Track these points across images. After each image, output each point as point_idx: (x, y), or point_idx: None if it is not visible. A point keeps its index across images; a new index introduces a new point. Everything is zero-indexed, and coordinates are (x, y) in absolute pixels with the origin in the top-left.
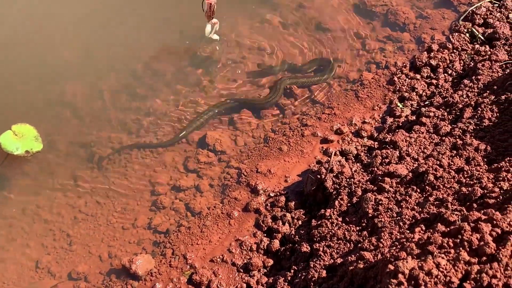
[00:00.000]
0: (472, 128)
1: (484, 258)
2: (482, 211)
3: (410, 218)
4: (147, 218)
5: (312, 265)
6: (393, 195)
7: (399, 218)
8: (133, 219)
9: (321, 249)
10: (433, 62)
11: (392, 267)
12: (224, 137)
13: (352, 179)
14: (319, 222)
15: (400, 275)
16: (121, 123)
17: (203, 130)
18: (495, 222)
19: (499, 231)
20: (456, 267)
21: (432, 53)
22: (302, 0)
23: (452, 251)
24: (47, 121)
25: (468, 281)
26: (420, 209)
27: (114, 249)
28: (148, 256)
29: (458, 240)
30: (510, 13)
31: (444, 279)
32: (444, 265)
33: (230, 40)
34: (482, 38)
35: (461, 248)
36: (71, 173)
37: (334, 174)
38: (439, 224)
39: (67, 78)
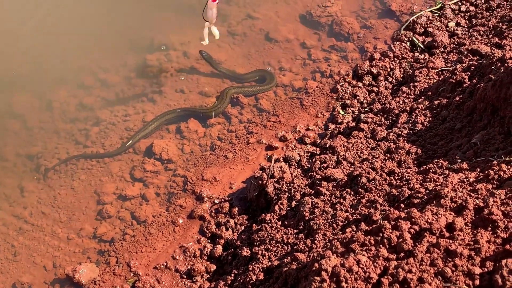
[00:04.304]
0: (405, 133)
1: (402, 254)
2: (405, 210)
3: (344, 220)
4: (92, 228)
5: (251, 268)
6: (329, 198)
7: (333, 220)
8: (79, 228)
9: (260, 252)
10: (375, 70)
11: (317, 265)
12: (171, 145)
13: (292, 184)
14: (259, 227)
15: (323, 273)
16: (68, 134)
17: (150, 139)
18: (413, 219)
19: (417, 228)
20: (375, 264)
21: (374, 62)
22: (250, 11)
23: (373, 248)
24: None
25: (385, 276)
26: (353, 211)
27: (59, 259)
28: (92, 264)
29: (379, 238)
30: (450, 22)
31: (364, 275)
32: (364, 261)
33: (179, 50)
34: (422, 46)
35: (381, 245)
36: (18, 183)
37: (275, 180)
38: (362, 223)
39: (15, 89)
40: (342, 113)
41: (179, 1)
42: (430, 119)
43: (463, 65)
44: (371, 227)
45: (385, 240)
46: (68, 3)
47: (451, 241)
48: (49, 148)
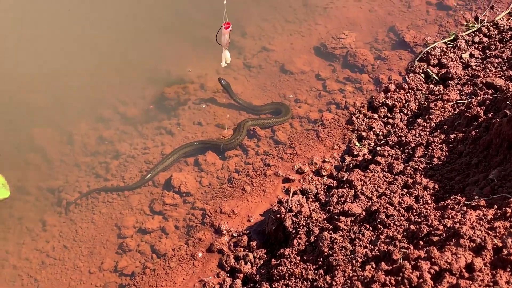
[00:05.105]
0: (422, 167)
1: None
2: (425, 249)
3: (363, 256)
4: (113, 261)
5: None
6: (348, 234)
7: (352, 256)
8: (100, 262)
9: None
10: (390, 102)
11: None
12: (189, 178)
13: (310, 218)
14: (278, 262)
15: None
16: (89, 167)
17: (169, 172)
18: (433, 260)
19: (437, 268)
20: None
21: (389, 93)
22: (266, 43)
23: None
24: (16, 167)
25: None
26: (372, 247)
27: None
28: None
29: (400, 278)
30: (463, 53)
31: None
32: None
33: (196, 83)
34: (436, 78)
35: (402, 286)
36: (40, 217)
37: (293, 214)
38: (382, 262)
39: (36, 123)
40: (358, 145)
41: (195, 34)
42: (447, 153)
43: (478, 98)
44: (391, 267)
45: (406, 281)
46: (86, 37)
47: (470, 282)
48: (70, 181)
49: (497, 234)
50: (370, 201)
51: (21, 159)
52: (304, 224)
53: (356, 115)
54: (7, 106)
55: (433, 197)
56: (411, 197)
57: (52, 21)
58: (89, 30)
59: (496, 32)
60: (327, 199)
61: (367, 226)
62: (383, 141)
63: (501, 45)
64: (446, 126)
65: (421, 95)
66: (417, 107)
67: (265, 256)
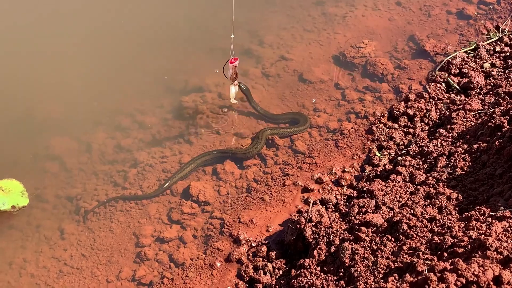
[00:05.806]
0: (445, 177)
1: None
2: (450, 261)
3: (385, 267)
4: (131, 270)
5: None
6: (369, 244)
7: (374, 267)
8: (118, 271)
9: None
10: (410, 112)
11: None
12: (207, 187)
13: (330, 229)
14: (298, 272)
15: None
16: (107, 175)
17: (187, 181)
18: (460, 272)
19: (463, 280)
20: None
21: (409, 103)
22: (284, 52)
23: None
24: (34, 175)
25: None
26: (395, 258)
27: None
28: None
29: None
30: (485, 62)
31: None
32: None
33: (213, 92)
34: (458, 87)
35: None
36: (58, 226)
37: (313, 224)
38: (407, 274)
39: (53, 132)
40: (379, 155)
41: (212, 44)
42: (470, 163)
43: (501, 108)
44: (416, 279)
45: None
46: (104, 48)
47: None
48: (88, 189)
49: None
50: (392, 211)
51: (39, 167)
52: (324, 234)
53: (376, 125)
54: (26, 115)
55: (456, 208)
56: (434, 207)
57: (70, 32)
58: (107, 41)
59: None
60: (347, 209)
61: (389, 237)
62: (404, 151)
63: None
64: (468, 136)
65: (442, 104)
66: (438, 116)
67: (285, 266)
